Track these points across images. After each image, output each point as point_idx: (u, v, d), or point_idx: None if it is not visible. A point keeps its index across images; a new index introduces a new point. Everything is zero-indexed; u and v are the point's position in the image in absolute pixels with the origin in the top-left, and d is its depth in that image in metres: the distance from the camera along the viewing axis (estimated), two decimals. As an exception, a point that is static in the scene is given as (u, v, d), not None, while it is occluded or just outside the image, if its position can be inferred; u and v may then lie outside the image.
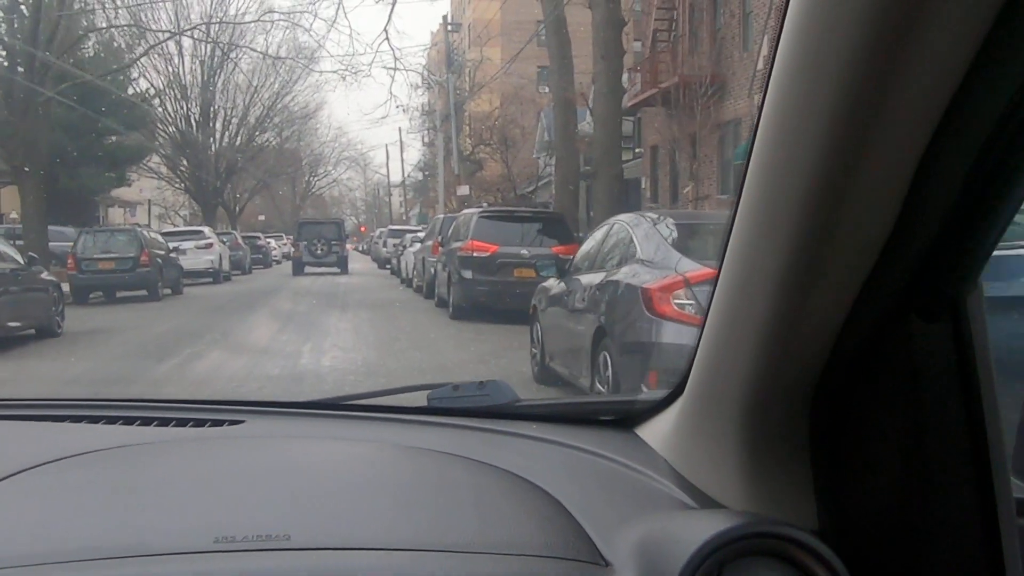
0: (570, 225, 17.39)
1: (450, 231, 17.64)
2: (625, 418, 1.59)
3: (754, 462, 1.13)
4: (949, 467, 0.98)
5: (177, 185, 48.73)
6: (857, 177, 0.85)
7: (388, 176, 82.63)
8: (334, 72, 56.57)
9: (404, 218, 70.37)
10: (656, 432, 1.45)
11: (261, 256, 43.60)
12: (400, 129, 73.18)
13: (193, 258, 27.95)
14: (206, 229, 31.14)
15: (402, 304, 19.76)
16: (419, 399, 1.75)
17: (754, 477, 1.13)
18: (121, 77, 37.33)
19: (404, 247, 28.79)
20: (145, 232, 22.42)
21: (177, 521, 1.14)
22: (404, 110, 52.22)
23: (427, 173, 67.59)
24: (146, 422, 1.62)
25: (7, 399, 1.92)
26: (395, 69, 45.26)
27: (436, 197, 59.24)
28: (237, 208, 57.34)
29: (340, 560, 1.02)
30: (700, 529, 0.97)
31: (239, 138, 50.50)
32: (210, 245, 28.73)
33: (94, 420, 1.64)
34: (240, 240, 37.35)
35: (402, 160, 72.45)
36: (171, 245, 26.29)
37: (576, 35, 25.39)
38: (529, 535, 1.13)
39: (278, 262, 51.30)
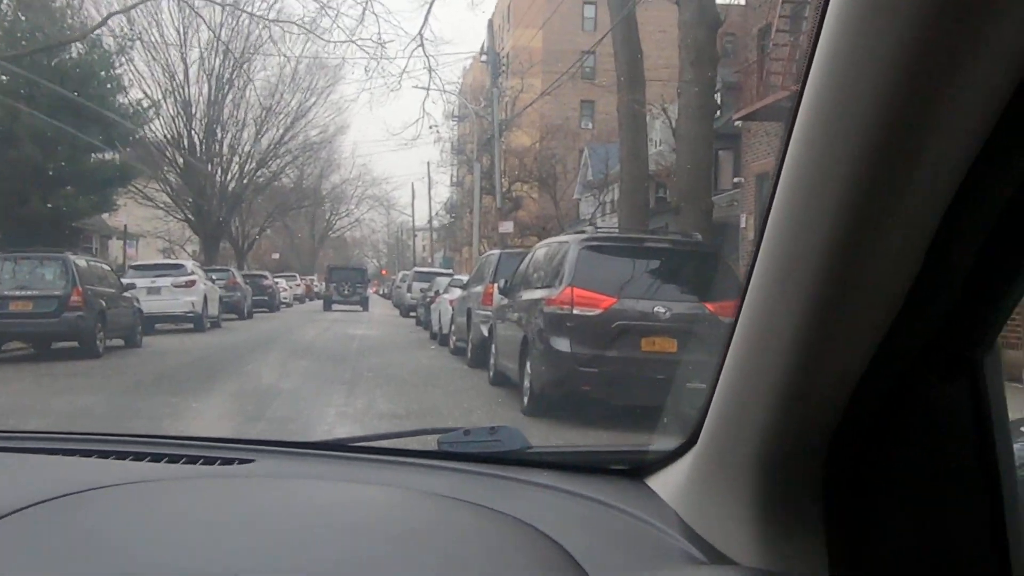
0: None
1: (521, 270, 11.58)
2: (637, 468, 1.57)
3: (766, 517, 1.12)
4: (965, 527, 0.98)
5: (177, 215, 42.70)
6: (878, 235, 0.85)
7: (413, 215, 78.04)
8: (361, 81, 50.40)
9: (428, 261, 64.67)
10: (668, 483, 1.43)
11: (266, 299, 37.73)
12: (428, 164, 68.24)
13: (169, 299, 22.00)
14: (188, 263, 25.09)
15: (439, 377, 13.52)
16: (430, 443, 1.74)
17: (766, 533, 1.12)
18: (109, 85, 31.76)
19: (435, 293, 22.88)
20: (83, 261, 16.30)
21: (186, 560, 1.14)
22: (438, 131, 45.99)
23: (454, 216, 62.76)
24: (156, 458, 1.62)
25: (16, 431, 1.91)
26: (428, 89, 38.91)
27: (466, 237, 54.71)
28: (245, 244, 51.31)
29: None
30: None
31: (249, 164, 44.42)
32: (192, 283, 22.69)
33: (104, 455, 1.64)
34: (239, 278, 31.35)
35: (429, 197, 67.60)
36: (138, 283, 20.47)
37: (646, 39, 20.40)
38: None
39: (288, 305, 45.66)
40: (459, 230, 61.76)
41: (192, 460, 1.62)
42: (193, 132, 41.20)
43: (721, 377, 1.15)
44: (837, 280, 0.89)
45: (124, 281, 20.01)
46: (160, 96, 38.75)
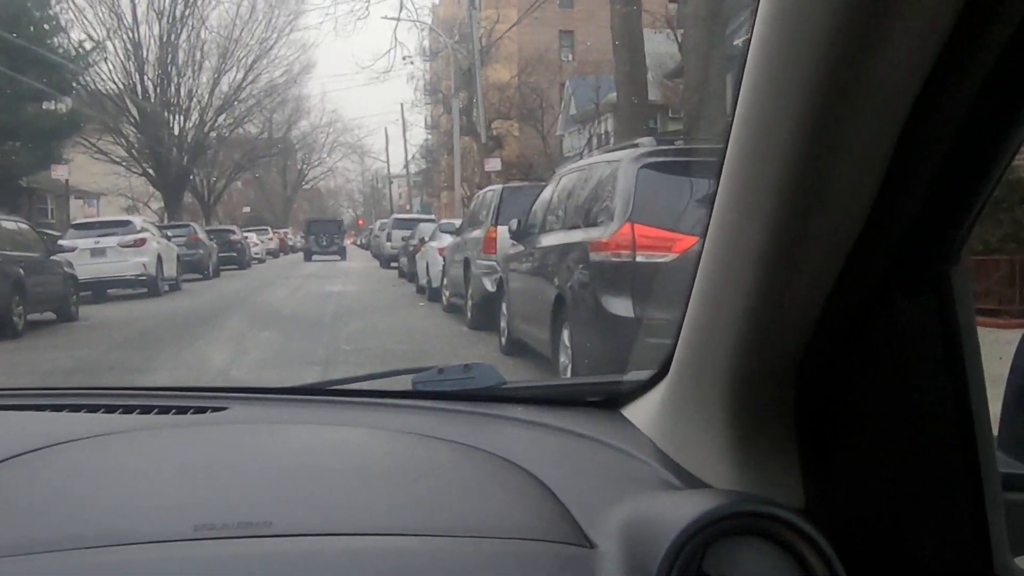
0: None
1: (541, 206, 8.87)
2: (611, 399, 1.58)
3: (740, 441, 1.12)
4: (935, 443, 0.99)
5: (135, 170, 39.44)
6: (837, 153, 0.85)
7: (388, 160, 74.99)
8: (326, 7, 46.88)
9: (407, 208, 61.64)
10: (642, 413, 1.44)
11: (235, 255, 34.90)
12: (402, 105, 64.98)
13: (116, 261, 19.21)
14: (137, 219, 21.92)
15: (436, 344, 10.85)
16: (404, 383, 1.71)
17: (740, 456, 1.13)
18: (46, 26, 28.59)
19: (419, 241, 20.24)
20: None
21: (157, 509, 1.13)
22: (412, 62, 42.68)
23: (430, 161, 59.85)
24: (128, 410, 1.60)
25: None
26: (398, 19, 35.85)
27: (445, 182, 52.09)
28: (211, 198, 48.11)
29: (321, 546, 1.02)
30: (685, 509, 0.97)
31: (209, 110, 41.04)
32: (141, 242, 19.84)
33: (75, 408, 1.62)
34: (201, 234, 28.46)
35: (405, 140, 65.33)
36: (79, 244, 17.70)
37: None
38: (514, 518, 1.13)
39: (260, 260, 42.81)
40: (436, 175, 59.26)
41: (164, 410, 1.60)
42: (146, 77, 37.80)
43: (689, 304, 1.16)
44: (798, 200, 0.89)
45: (64, 243, 17.25)
46: (105, 36, 35.30)
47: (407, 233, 26.39)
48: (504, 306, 9.74)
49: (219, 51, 40.06)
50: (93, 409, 1.61)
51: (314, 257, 42.77)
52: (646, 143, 7.21)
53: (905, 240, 0.92)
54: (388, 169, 76.87)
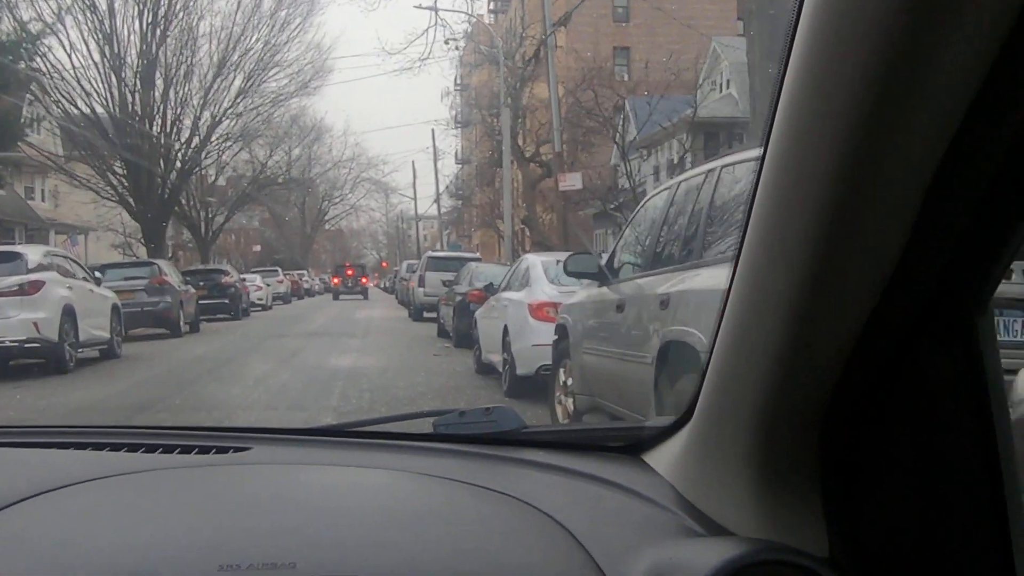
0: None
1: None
2: (632, 445, 1.56)
3: (763, 488, 1.11)
4: (961, 492, 0.98)
5: (107, 193, 31.93)
6: (867, 200, 0.85)
7: (415, 197, 68.20)
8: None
9: (437, 248, 54.43)
10: (664, 459, 1.43)
11: (226, 302, 27.53)
12: (433, 131, 57.99)
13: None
14: (32, 251, 13.49)
15: None
16: (425, 426, 1.70)
17: (763, 503, 1.12)
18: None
19: (479, 290, 13.07)
20: None
21: (181, 548, 1.14)
22: (457, 46, 35.09)
23: (462, 195, 52.94)
24: (151, 449, 1.60)
25: (10, 426, 1.91)
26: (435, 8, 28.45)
27: (476, 220, 45.37)
28: (209, 233, 40.60)
29: None
30: (708, 557, 0.97)
31: (201, 124, 33.45)
32: (33, 287, 12.31)
33: (99, 447, 1.62)
34: (171, 276, 20.98)
35: (436, 169, 57.33)
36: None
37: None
38: (536, 563, 1.14)
39: (264, 307, 35.44)
40: (468, 211, 53.14)
41: (187, 450, 1.60)
42: (124, 82, 30.46)
43: (714, 349, 1.15)
44: (828, 247, 0.89)
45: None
46: (55, 16, 27.94)
47: (448, 276, 21.07)
48: None
49: (217, 52, 32.63)
50: (116, 448, 1.60)
51: (341, 296, 49.48)
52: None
53: (934, 288, 0.92)
54: (415, 206, 70.39)
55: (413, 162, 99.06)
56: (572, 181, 20.74)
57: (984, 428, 0.96)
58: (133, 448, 1.59)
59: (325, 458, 1.63)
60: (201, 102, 32.27)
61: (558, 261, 8.98)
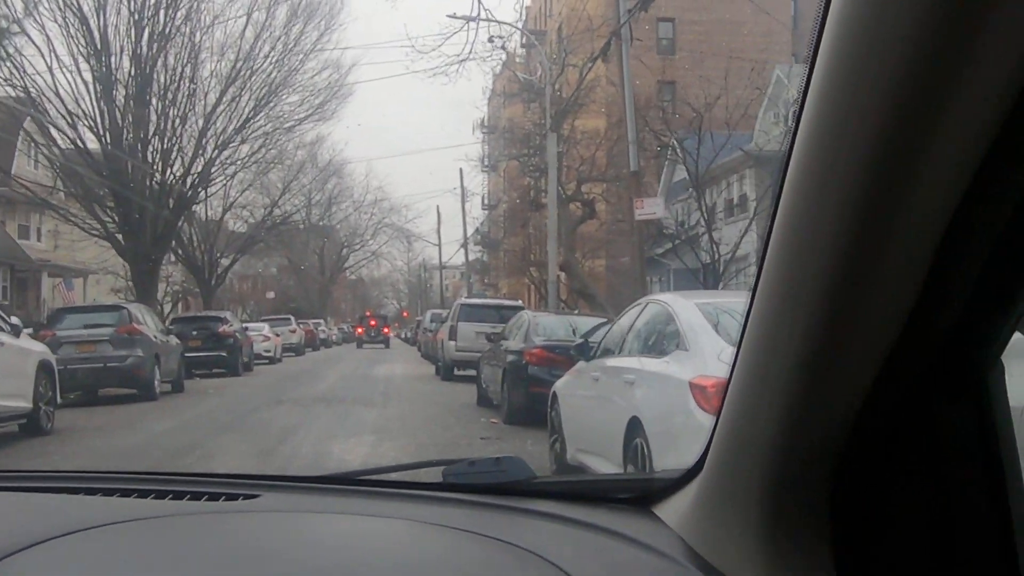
0: None
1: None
2: (643, 496, 1.55)
3: (774, 542, 1.11)
4: (973, 547, 0.98)
5: (94, 231, 27.98)
6: (878, 257, 0.85)
7: (440, 243, 64.02)
8: None
9: (462, 296, 50.45)
10: (674, 511, 1.42)
11: (224, 355, 23.49)
12: (461, 171, 54.19)
13: None
14: None
15: None
16: (435, 475, 1.69)
17: (774, 558, 1.11)
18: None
19: (555, 351, 9.14)
20: None
21: None
22: (503, 45, 30.80)
23: (488, 243, 49.20)
24: (160, 495, 1.61)
25: (22, 471, 1.93)
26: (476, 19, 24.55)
27: (504, 267, 41.60)
28: (213, 277, 36.56)
29: None
30: None
31: (202, 152, 29.57)
32: None
33: (108, 493, 1.62)
34: (146, 323, 16.96)
35: (464, 210, 53.43)
36: None
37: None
38: None
39: (271, 360, 31.37)
40: (495, 259, 50.02)
41: (196, 496, 1.60)
42: (114, 102, 26.64)
43: (725, 403, 1.15)
44: (838, 304, 0.89)
45: None
46: (24, 12, 24.21)
47: (483, 327, 18.90)
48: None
49: (222, 75, 28.83)
50: (126, 494, 1.60)
51: (364, 345, 53.00)
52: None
53: (945, 344, 0.91)
54: (440, 252, 66.42)
55: (438, 206, 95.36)
56: (652, 208, 16.62)
57: (996, 483, 0.96)
58: (143, 494, 1.60)
59: (334, 506, 1.62)
60: (202, 126, 28.36)
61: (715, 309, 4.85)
